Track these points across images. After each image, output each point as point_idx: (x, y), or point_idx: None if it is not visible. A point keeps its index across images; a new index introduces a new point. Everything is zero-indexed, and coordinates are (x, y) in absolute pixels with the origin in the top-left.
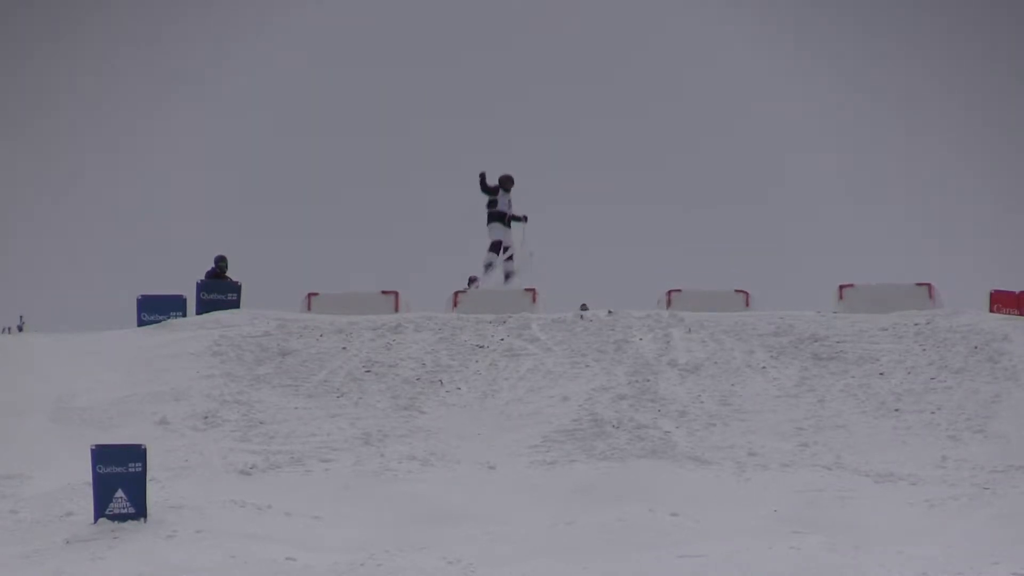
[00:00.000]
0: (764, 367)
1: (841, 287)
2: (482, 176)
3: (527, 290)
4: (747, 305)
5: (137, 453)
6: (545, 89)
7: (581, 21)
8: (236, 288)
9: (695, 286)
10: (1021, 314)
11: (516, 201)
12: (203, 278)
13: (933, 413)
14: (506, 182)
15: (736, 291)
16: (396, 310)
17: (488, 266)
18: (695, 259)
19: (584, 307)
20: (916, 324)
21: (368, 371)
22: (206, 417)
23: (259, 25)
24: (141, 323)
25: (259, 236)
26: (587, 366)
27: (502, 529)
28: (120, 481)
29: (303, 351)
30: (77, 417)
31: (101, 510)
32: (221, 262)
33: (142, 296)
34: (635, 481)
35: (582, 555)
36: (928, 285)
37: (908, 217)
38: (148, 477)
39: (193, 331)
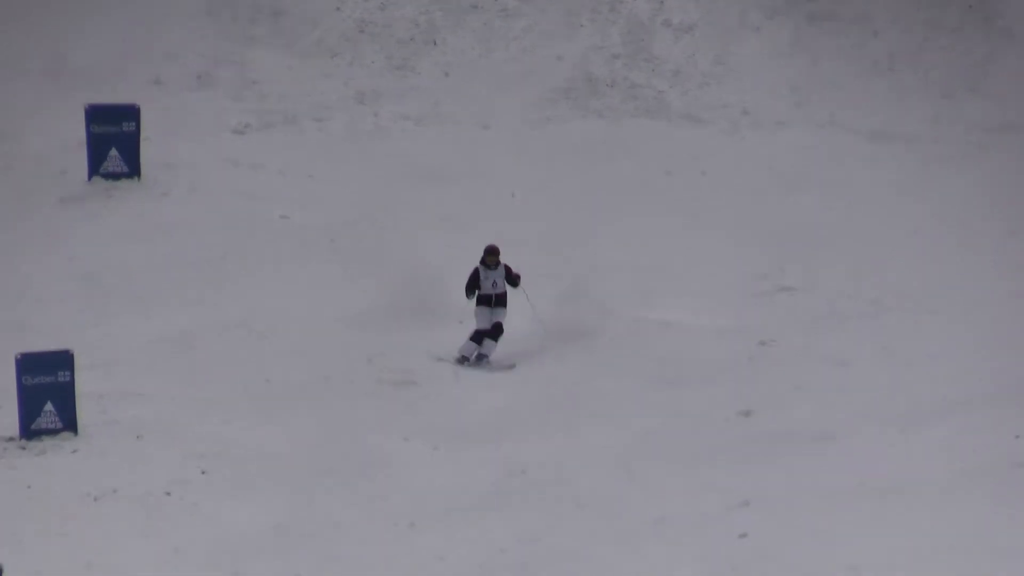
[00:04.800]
0: (758, 27)
1: None
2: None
3: None
4: None
5: (131, 112)
6: None
7: None
8: None
9: None
10: None
11: None
12: None
13: (927, 72)
14: (490, 257)
15: None
16: None
17: (461, 359)
18: None
19: None
20: None
21: (362, 31)
22: (199, 76)
23: None
24: None
25: None
26: (581, 26)
27: (492, 185)
28: (114, 140)
29: (296, 10)
30: (70, 75)
31: (95, 168)
32: None
33: None
34: (628, 140)
35: (577, 211)
36: None
37: None
38: (142, 136)
39: None
